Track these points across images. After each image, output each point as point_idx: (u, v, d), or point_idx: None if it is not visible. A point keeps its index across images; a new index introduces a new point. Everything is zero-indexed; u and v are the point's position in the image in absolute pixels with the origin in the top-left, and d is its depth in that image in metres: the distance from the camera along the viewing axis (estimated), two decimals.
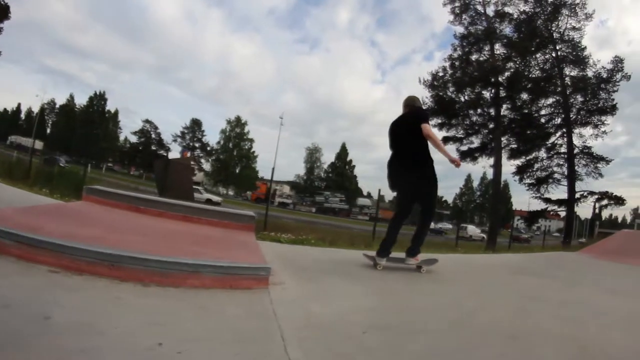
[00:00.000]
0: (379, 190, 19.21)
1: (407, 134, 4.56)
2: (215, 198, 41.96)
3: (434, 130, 5.34)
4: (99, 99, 69.98)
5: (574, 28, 29.54)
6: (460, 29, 30.26)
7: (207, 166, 69.16)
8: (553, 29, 29.81)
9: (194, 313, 2.26)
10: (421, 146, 4.46)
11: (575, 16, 29.27)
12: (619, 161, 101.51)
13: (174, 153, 66.20)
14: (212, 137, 68.63)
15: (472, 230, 51.96)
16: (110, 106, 72.16)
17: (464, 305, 3.50)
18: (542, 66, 29.89)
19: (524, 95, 29.42)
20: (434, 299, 3.58)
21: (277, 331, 2.18)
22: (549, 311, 3.66)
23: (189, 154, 60.80)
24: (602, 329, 3.20)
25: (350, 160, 74.87)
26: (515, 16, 29.58)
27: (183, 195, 8.67)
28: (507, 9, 29.47)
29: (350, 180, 73.71)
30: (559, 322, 3.23)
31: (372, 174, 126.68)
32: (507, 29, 29.89)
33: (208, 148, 68.34)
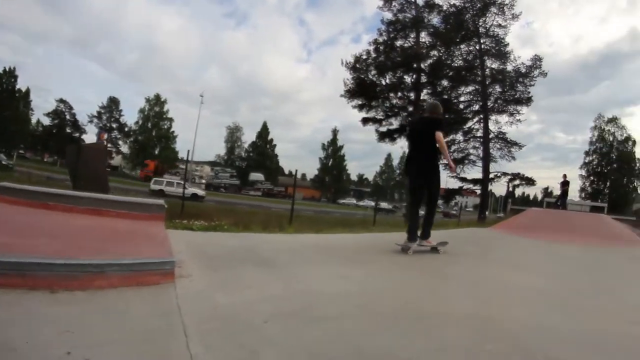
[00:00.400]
0: (295, 171, 19.64)
1: (425, 134, 5.55)
2: (200, 192, 38.74)
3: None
4: (8, 76, 62.54)
5: (499, 25, 32.02)
6: (388, 15, 31.14)
7: (125, 148, 65.39)
8: (480, 24, 31.99)
9: (102, 316, 2.24)
10: (433, 146, 5.50)
11: (503, 15, 31.73)
12: (532, 146, 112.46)
13: (90, 135, 61.92)
14: (131, 117, 66.03)
15: None
16: (21, 84, 63.54)
17: (372, 288, 3.64)
18: (465, 57, 32.07)
19: (445, 82, 31.05)
20: (343, 284, 3.63)
21: (181, 327, 2.20)
22: (458, 289, 3.97)
23: (105, 136, 57.58)
24: (505, 305, 3.52)
25: (272, 139, 74.48)
26: (445, 8, 31.14)
27: (97, 185, 8.24)
28: (437, 1, 30.88)
29: (272, 159, 73.38)
30: (465, 300, 3.49)
31: (294, 152, 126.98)
32: (435, 20, 31.36)
33: (126, 129, 64.39)
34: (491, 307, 3.37)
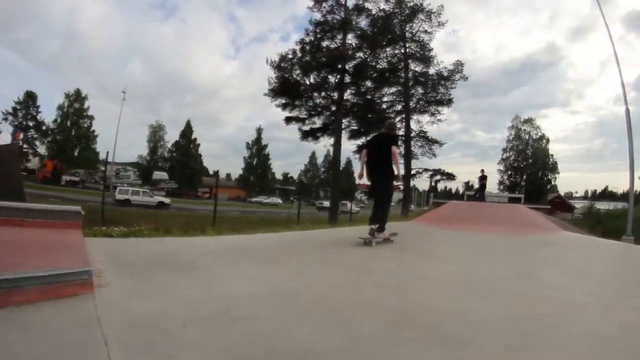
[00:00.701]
0: (217, 172, 19.34)
1: (384, 148, 6.85)
2: (166, 200, 39.68)
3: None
4: None
5: (425, 31, 33.81)
6: (317, 16, 31.60)
7: (42, 149, 59.55)
8: (407, 29, 33.51)
9: (22, 334, 2.18)
10: (388, 159, 6.77)
11: (429, 22, 33.55)
12: (454, 144, 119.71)
13: (5, 135, 56.25)
14: (49, 114, 60.92)
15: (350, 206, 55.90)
16: None
17: (291, 286, 3.76)
18: (390, 59, 33.30)
19: (369, 83, 32.00)
20: (263, 283, 3.78)
21: (101, 337, 2.20)
22: (376, 282, 4.14)
23: (21, 136, 53.24)
24: (424, 294, 3.78)
25: (195, 139, 71.77)
26: (374, 12, 32.05)
27: (11, 191, 7.70)
28: (367, 4, 31.72)
29: (195, 159, 71.05)
30: (382, 292, 3.71)
31: (218, 151, 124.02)
32: (363, 23, 32.09)
33: (44, 127, 58.62)
34: (409, 296, 3.65)
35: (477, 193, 26.20)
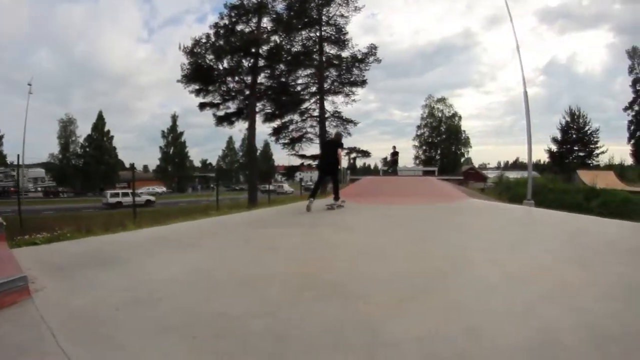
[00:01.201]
0: (132, 165, 18.73)
1: (332, 151, 10.22)
2: (152, 198, 42.85)
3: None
4: None
5: (342, 15, 34.52)
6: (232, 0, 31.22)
7: None
8: (324, 12, 34.09)
9: None
10: (335, 158, 10.19)
11: (346, 6, 34.27)
12: (371, 122, 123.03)
13: None
14: None
15: (287, 187, 57.44)
16: None
17: (206, 265, 4.25)
18: (305, 42, 33.93)
19: (282, 66, 32.14)
20: (181, 266, 4.23)
21: (49, 332, 2.47)
22: (285, 255, 4.68)
23: None
24: (328, 261, 4.35)
25: (109, 131, 66.35)
26: None
27: None
28: None
29: (110, 153, 65.79)
30: (290, 262, 4.26)
31: (133, 143, 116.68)
32: (279, 6, 32.16)
33: None
34: (314, 264, 4.22)
35: (389, 168, 27.85)
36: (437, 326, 2.60)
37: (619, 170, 45.06)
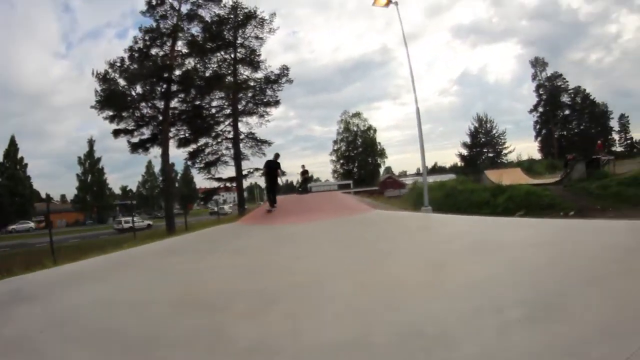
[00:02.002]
0: (48, 196, 18.37)
1: (274, 168, 15.05)
2: (150, 222, 48.46)
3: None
4: None
5: (257, 37, 34.91)
6: (149, 21, 31.59)
7: None
8: (239, 34, 34.37)
9: None
10: (276, 175, 15.07)
11: (261, 28, 34.68)
12: (292, 139, 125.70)
13: None
14: None
15: (227, 208, 57.58)
16: None
17: (106, 296, 5.10)
18: (219, 64, 34.20)
19: (195, 90, 32.64)
20: (87, 297, 5.06)
21: None
22: (174, 280, 5.67)
23: None
24: (208, 283, 5.35)
25: (22, 158, 60.89)
26: (207, 18, 32.79)
27: None
28: (201, 11, 32.44)
29: (24, 183, 60.09)
30: (175, 287, 5.20)
31: (48, 169, 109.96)
32: (194, 29, 32.77)
33: None
34: (196, 287, 5.20)
35: (300, 187, 28.98)
36: (270, 328, 3.55)
37: (528, 165, 49.98)
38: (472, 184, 31.09)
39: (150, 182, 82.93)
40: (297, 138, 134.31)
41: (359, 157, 68.09)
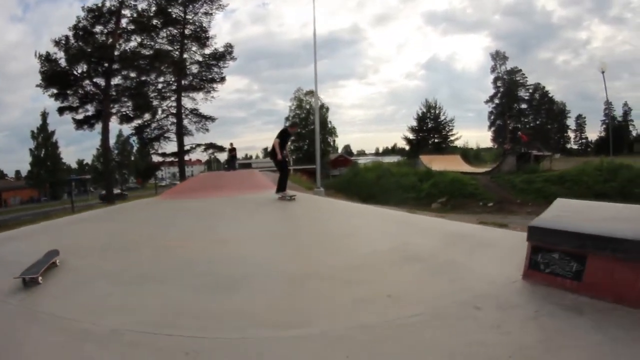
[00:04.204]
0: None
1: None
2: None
3: None
4: None
5: (206, 13, 35.97)
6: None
7: None
8: (189, 10, 35.22)
9: None
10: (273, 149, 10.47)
11: (211, 4, 35.66)
12: (254, 112, 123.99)
13: None
14: None
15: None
16: None
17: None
18: (168, 38, 35.14)
19: (141, 67, 33.40)
20: None
21: None
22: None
23: None
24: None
25: None
26: None
27: None
28: None
29: None
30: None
31: (4, 144, 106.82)
32: (141, 5, 33.31)
33: None
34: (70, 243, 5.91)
35: (227, 164, 29.83)
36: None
37: (475, 153, 52.35)
38: (405, 168, 32.53)
39: (105, 155, 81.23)
40: (260, 112, 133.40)
41: (310, 135, 66.96)
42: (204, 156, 50.05)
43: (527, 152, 32.14)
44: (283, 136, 10.66)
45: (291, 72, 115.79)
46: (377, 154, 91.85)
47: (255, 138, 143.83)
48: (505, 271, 3.76)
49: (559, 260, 3.39)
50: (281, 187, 10.65)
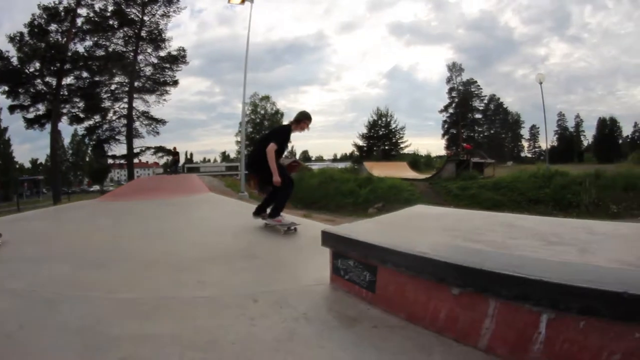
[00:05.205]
0: None
1: (262, 144, 6.68)
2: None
3: None
4: None
5: (164, 15, 36.48)
6: None
7: None
8: (146, 11, 35.58)
9: None
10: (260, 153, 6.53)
11: (169, 6, 36.33)
12: (215, 115, 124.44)
13: None
14: None
15: None
16: None
17: None
18: (124, 39, 35.44)
19: (94, 67, 33.69)
20: None
21: None
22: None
23: None
24: None
25: None
26: None
27: None
28: None
29: None
30: None
31: None
32: (98, 5, 33.50)
33: None
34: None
35: (169, 168, 30.60)
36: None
37: (427, 160, 55.01)
38: (347, 174, 33.59)
39: (60, 155, 79.42)
40: (221, 115, 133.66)
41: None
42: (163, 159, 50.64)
43: (466, 159, 33.67)
44: (283, 137, 6.84)
45: (255, 76, 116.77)
46: (334, 159, 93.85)
47: (215, 142, 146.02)
48: (325, 274, 3.82)
49: (354, 267, 3.36)
50: (277, 212, 6.77)
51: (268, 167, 6.40)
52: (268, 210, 6.93)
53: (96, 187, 58.33)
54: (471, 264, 2.49)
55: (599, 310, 1.98)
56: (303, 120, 6.81)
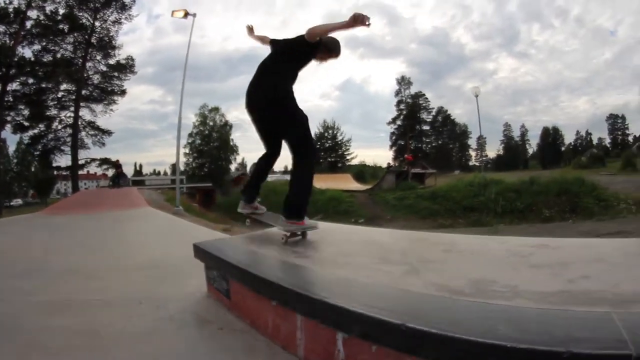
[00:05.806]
0: None
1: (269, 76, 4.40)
2: None
3: None
4: None
5: (115, 22, 36.02)
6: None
7: None
8: (98, 17, 34.98)
9: None
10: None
11: (122, 13, 35.80)
12: (166, 125, 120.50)
13: None
14: None
15: None
16: None
17: None
18: (71, 46, 34.71)
19: (40, 74, 32.82)
20: None
21: None
22: None
23: None
24: None
25: None
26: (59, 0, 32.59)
27: None
28: None
29: None
30: None
31: None
32: (49, 7, 32.66)
33: None
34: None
35: (112, 181, 29.90)
36: None
37: (373, 171, 57.14)
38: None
39: (4, 164, 76.36)
40: (172, 125, 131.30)
41: (212, 152, 67.12)
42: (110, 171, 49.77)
43: (405, 170, 35.07)
44: (301, 60, 4.31)
45: (209, 86, 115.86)
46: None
47: (166, 152, 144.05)
48: None
49: (217, 277, 3.59)
50: (296, 208, 4.13)
51: (290, 106, 4.15)
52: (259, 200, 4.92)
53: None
54: (275, 279, 2.72)
55: (378, 339, 1.88)
56: (335, 52, 4.49)
